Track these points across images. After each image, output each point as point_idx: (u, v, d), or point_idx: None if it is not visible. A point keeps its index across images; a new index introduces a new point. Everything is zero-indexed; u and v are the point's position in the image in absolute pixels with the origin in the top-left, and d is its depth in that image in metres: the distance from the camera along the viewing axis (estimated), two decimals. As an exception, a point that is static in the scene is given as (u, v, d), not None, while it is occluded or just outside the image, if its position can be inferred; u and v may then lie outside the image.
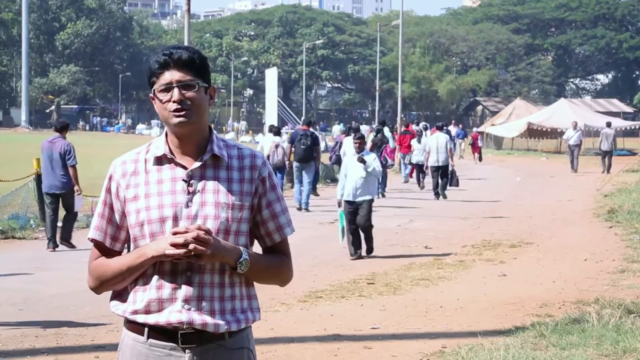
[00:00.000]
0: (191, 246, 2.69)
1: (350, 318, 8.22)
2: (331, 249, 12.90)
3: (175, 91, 2.81)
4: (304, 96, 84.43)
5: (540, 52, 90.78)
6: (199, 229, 2.72)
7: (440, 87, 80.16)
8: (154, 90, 2.86)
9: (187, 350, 2.81)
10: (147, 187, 2.84)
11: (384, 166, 20.82)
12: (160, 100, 2.83)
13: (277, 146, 19.11)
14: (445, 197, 20.73)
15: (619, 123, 51.81)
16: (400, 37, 48.33)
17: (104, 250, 2.89)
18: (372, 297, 9.26)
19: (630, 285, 9.73)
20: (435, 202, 20.23)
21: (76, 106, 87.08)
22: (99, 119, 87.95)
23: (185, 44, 20.27)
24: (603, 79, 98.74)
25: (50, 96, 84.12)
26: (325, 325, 7.90)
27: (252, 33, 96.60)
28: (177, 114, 2.80)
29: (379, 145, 21.37)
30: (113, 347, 7.17)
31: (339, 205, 12.22)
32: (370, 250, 12.35)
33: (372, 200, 12.41)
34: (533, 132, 46.67)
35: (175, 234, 2.72)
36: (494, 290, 9.56)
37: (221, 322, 2.82)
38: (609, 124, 33.12)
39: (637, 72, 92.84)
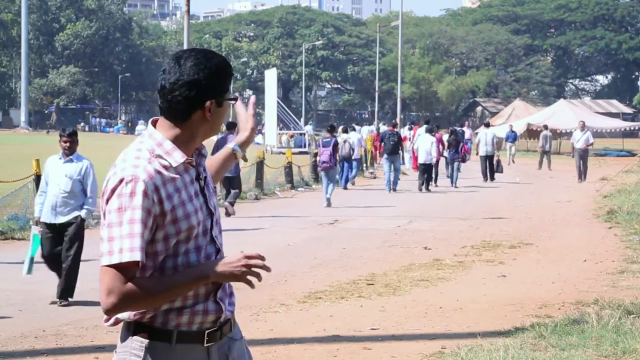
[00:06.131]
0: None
1: (350, 319, 8.22)
2: (331, 249, 12.90)
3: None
4: (304, 97, 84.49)
5: (540, 53, 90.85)
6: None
7: (439, 88, 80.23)
8: (224, 97, 2.89)
9: (209, 350, 2.87)
10: (180, 196, 2.80)
11: (463, 160, 25.51)
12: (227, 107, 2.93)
13: (345, 141, 23.62)
14: (492, 179, 26.50)
15: (618, 124, 51.92)
16: (400, 38, 48.39)
17: (133, 272, 2.72)
18: (372, 297, 9.25)
19: (630, 286, 9.74)
20: (434, 203, 20.26)
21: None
22: (98, 119, 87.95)
23: (185, 45, 20.33)
24: (602, 79, 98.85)
25: (50, 97, 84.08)
26: (325, 326, 7.90)
27: (252, 34, 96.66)
28: None
29: (455, 145, 25.26)
30: (113, 348, 7.17)
31: (36, 224, 9.31)
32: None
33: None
34: (532, 132, 46.70)
35: (248, 259, 2.78)
36: (494, 291, 9.56)
37: (228, 307, 2.93)
38: (545, 127, 36.59)
39: (637, 73, 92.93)
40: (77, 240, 9.13)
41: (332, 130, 20.80)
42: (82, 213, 9.13)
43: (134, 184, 2.72)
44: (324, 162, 19.44)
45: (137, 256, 2.69)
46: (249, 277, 2.77)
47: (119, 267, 2.69)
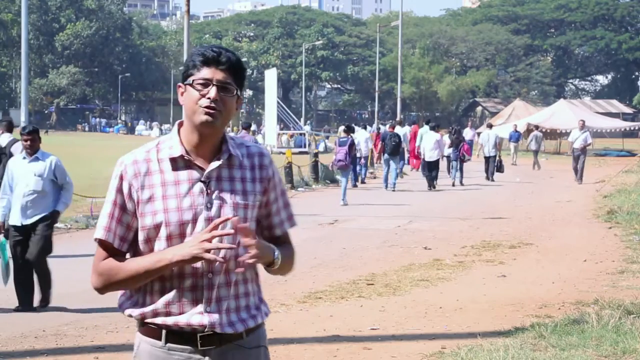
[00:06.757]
0: (246, 256, 2.72)
1: (350, 319, 8.22)
2: (331, 249, 12.90)
3: (214, 89, 2.79)
4: (304, 97, 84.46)
5: (540, 53, 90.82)
6: (239, 230, 2.71)
7: (439, 88, 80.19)
8: (192, 81, 2.82)
9: (206, 353, 2.81)
10: (164, 189, 2.81)
11: (462, 160, 25.65)
12: (198, 91, 2.80)
13: None
14: (493, 180, 27.05)
15: (618, 124, 51.89)
16: (400, 38, 48.38)
17: (111, 251, 2.84)
18: (372, 297, 9.26)
19: (630, 286, 9.74)
20: (434, 203, 20.27)
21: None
22: (98, 119, 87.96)
23: (185, 44, 20.38)
24: (602, 79, 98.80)
25: (50, 97, 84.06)
26: (325, 326, 7.90)
27: (252, 34, 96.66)
28: (207, 111, 2.79)
29: (456, 144, 25.53)
30: (113, 348, 7.20)
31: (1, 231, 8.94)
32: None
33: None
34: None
35: (209, 237, 2.70)
36: (494, 291, 9.56)
37: (238, 322, 2.84)
38: (536, 127, 38.02)
39: (637, 73, 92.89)
40: (45, 239, 8.74)
41: (348, 130, 21.41)
42: (59, 207, 8.90)
43: (118, 167, 2.84)
44: (339, 160, 20.08)
45: (99, 234, 2.83)
46: (210, 255, 2.68)
47: (99, 245, 2.86)
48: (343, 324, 8.01)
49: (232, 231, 2.70)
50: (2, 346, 7.26)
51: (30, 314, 8.55)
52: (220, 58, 2.81)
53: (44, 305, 8.78)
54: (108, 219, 2.83)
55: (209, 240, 2.69)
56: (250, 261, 2.73)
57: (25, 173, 8.79)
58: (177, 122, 2.92)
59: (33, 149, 8.85)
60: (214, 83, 2.80)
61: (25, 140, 8.85)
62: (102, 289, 2.85)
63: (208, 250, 2.68)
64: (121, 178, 2.83)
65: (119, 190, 2.83)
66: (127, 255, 2.89)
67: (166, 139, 2.89)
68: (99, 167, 28.75)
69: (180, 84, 2.87)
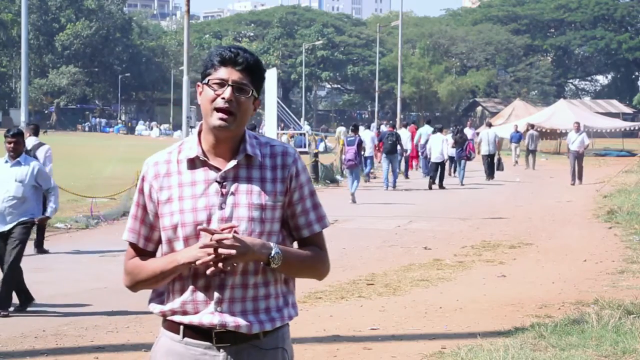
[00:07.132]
0: (216, 252, 2.73)
1: (350, 319, 8.22)
2: (331, 249, 12.85)
3: (228, 90, 2.78)
4: (304, 97, 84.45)
5: (540, 53, 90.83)
6: (225, 230, 2.72)
7: (439, 88, 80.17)
8: (208, 80, 2.81)
9: (221, 350, 2.82)
10: (181, 190, 2.83)
11: (468, 158, 26.02)
12: (214, 91, 2.79)
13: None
14: (493, 177, 27.36)
15: (618, 124, 51.90)
16: (400, 38, 48.39)
17: (138, 250, 2.91)
18: (372, 297, 9.26)
19: (630, 286, 9.74)
20: (434, 203, 20.28)
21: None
22: (98, 119, 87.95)
23: (185, 44, 20.45)
24: (602, 79, 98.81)
25: (50, 97, 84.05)
26: (325, 326, 7.90)
27: (252, 34, 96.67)
28: (220, 115, 2.78)
29: (461, 143, 25.78)
30: (113, 348, 7.20)
31: None
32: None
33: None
34: (533, 132, 46.62)
35: (204, 246, 2.71)
36: (494, 291, 9.56)
37: (255, 323, 2.82)
38: (532, 126, 38.32)
39: (637, 73, 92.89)
40: (20, 244, 8.39)
41: (356, 129, 21.68)
42: (49, 213, 8.72)
43: (143, 168, 2.92)
44: (349, 160, 20.34)
45: (125, 236, 2.93)
46: (210, 259, 2.69)
47: (129, 244, 2.94)
48: (343, 324, 8.01)
49: (230, 236, 2.69)
50: (2, 346, 7.26)
51: (30, 314, 8.54)
52: (237, 58, 2.80)
53: (5, 309, 8.33)
54: (132, 220, 2.92)
55: (209, 246, 2.71)
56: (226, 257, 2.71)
57: (6, 178, 8.52)
58: (200, 123, 2.92)
59: (16, 153, 8.56)
60: (230, 83, 2.79)
61: (9, 143, 8.52)
62: (131, 287, 2.93)
63: (212, 254, 2.70)
64: (143, 179, 2.89)
65: (141, 191, 2.90)
66: (158, 254, 2.92)
67: (189, 139, 2.91)
68: (99, 167, 28.76)
69: (198, 83, 2.87)
